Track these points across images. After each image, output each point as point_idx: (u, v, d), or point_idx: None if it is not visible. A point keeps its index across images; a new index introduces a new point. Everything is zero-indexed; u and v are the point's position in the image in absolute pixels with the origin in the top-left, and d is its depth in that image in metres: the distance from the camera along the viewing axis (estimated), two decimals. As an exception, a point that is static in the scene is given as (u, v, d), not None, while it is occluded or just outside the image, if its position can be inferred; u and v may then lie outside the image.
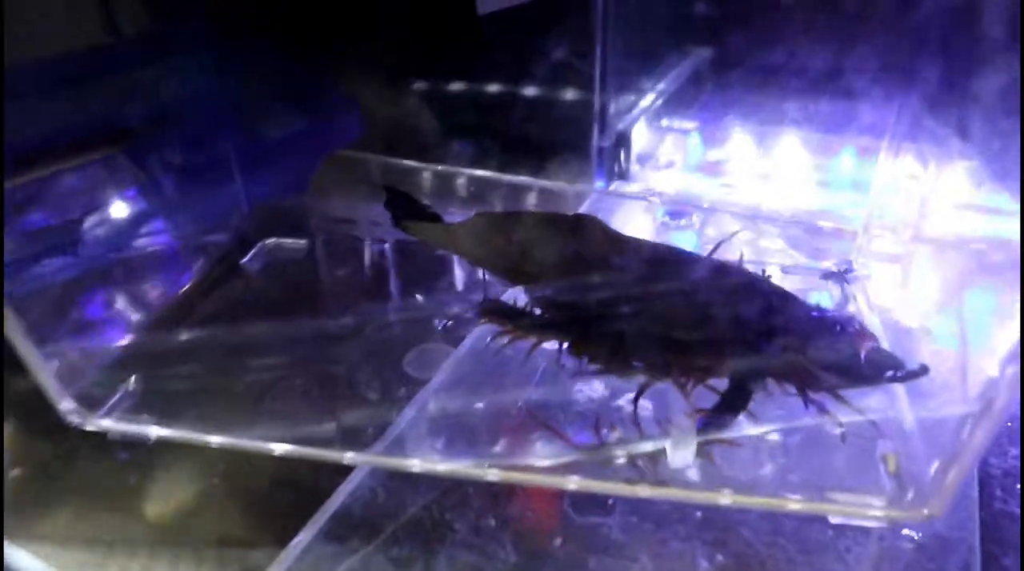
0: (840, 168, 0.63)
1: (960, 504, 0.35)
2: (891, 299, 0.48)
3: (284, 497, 0.40)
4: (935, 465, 0.34)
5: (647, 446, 0.38)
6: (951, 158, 0.56)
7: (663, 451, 0.36)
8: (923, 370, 0.33)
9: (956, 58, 0.50)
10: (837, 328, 0.35)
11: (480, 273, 0.46)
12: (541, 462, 0.37)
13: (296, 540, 0.36)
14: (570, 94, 0.63)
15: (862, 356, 0.33)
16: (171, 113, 0.57)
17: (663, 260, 0.39)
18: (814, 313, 0.36)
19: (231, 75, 0.58)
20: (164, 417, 0.41)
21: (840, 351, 0.34)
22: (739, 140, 0.66)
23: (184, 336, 0.48)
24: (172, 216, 0.56)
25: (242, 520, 0.39)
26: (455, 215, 0.48)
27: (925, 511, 0.32)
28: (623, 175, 0.65)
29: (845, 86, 0.57)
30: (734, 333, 0.36)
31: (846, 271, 0.48)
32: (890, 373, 0.33)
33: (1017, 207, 0.52)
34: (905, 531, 0.35)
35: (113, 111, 0.54)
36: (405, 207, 0.50)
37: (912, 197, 0.54)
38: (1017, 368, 0.30)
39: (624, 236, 0.40)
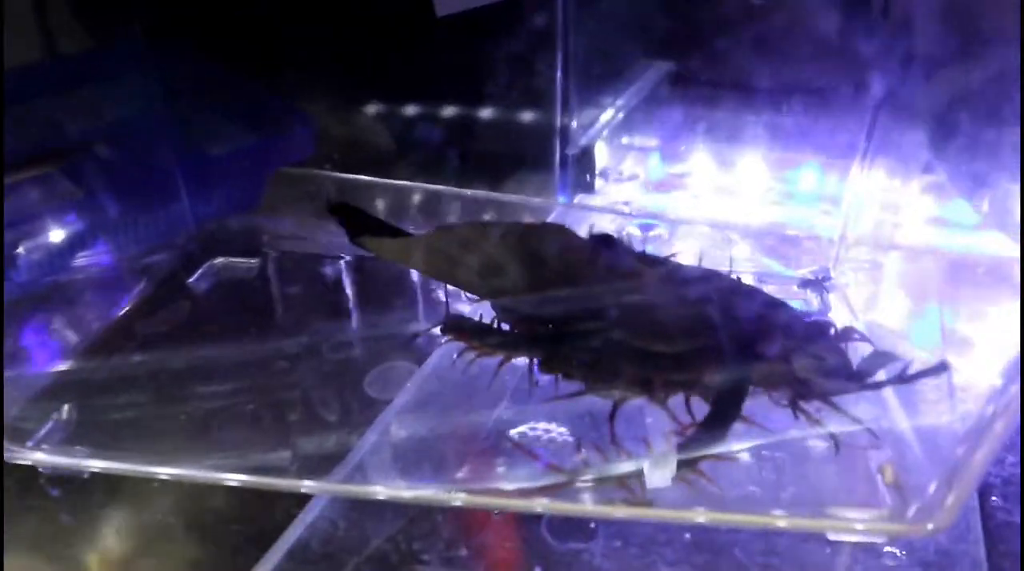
0: (805, 183, 0.62)
1: (960, 516, 0.33)
2: (869, 307, 0.46)
3: (236, 533, 0.36)
4: (935, 475, 0.32)
5: (628, 466, 0.35)
6: (920, 172, 0.56)
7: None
8: (942, 367, 0.30)
9: (924, 73, 0.50)
10: (831, 330, 0.33)
11: (442, 289, 0.44)
12: (518, 486, 0.35)
13: (248, 579, 0.33)
14: (531, 106, 0.62)
15: (865, 358, 0.32)
16: (113, 130, 0.54)
17: (637, 268, 0.37)
18: (803, 317, 0.34)
19: (177, 91, 0.55)
20: (101, 449, 0.37)
21: (839, 355, 0.32)
22: (702, 156, 0.65)
23: (123, 361, 0.44)
24: (113, 236, 0.53)
25: (190, 560, 0.36)
26: (414, 233, 0.45)
27: (930, 525, 0.30)
28: (587, 188, 0.63)
29: (809, 101, 0.56)
30: (718, 342, 0.34)
31: (824, 279, 0.47)
32: (902, 372, 0.31)
33: (978, 221, 0.51)
34: (887, 549, 0.33)
35: (50, 129, 0.51)
36: (360, 222, 0.47)
37: (886, 208, 0.53)
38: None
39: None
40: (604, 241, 0.38)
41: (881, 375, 0.32)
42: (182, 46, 0.54)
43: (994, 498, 0.35)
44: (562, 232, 0.38)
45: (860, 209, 0.52)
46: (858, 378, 0.31)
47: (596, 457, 0.35)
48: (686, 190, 0.64)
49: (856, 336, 0.33)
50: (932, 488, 0.31)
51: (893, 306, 0.47)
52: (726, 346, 0.34)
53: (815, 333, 0.33)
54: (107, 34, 0.55)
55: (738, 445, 0.34)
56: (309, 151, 0.57)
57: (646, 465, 0.34)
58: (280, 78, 0.58)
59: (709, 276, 0.36)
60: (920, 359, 0.38)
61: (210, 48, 0.55)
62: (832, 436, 0.32)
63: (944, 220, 0.55)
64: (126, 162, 0.54)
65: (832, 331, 0.33)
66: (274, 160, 0.57)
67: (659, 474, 0.34)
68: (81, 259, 0.51)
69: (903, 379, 0.32)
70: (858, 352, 0.34)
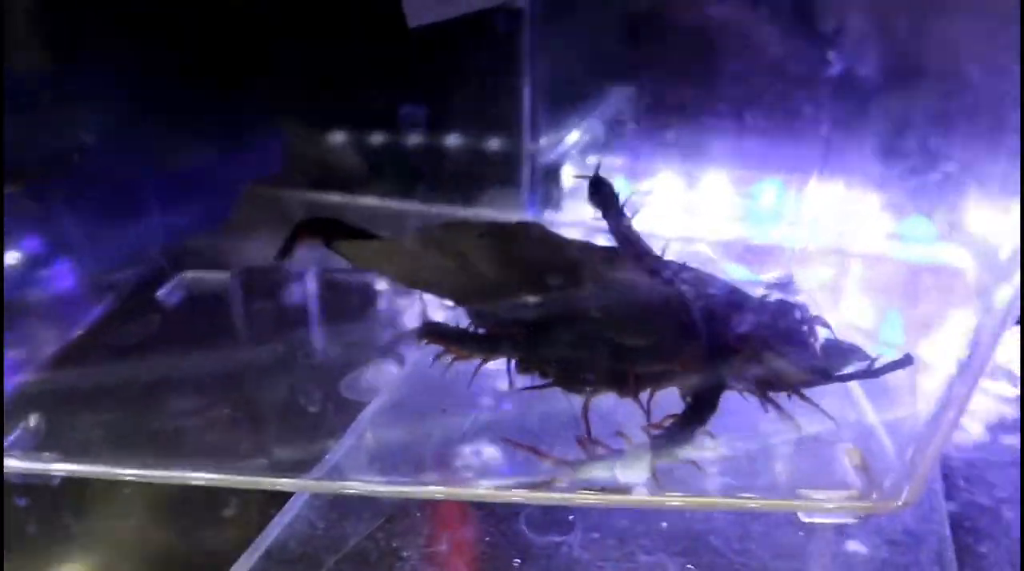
0: (766, 201, 0.64)
1: (924, 499, 0.35)
2: (833, 312, 0.48)
3: (211, 538, 0.36)
4: (899, 458, 0.33)
5: (601, 469, 0.36)
6: (875, 188, 0.58)
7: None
8: (908, 360, 0.32)
9: (880, 93, 0.52)
10: (798, 313, 0.34)
11: (417, 298, 0.44)
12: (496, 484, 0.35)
13: (226, 579, 0.32)
14: (500, 125, 0.63)
15: (829, 347, 0.33)
16: (78, 147, 0.54)
17: (611, 262, 0.38)
18: (772, 306, 0.35)
19: (144, 105, 0.55)
20: (71, 456, 0.37)
21: (808, 349, 0.33)
22: (666, 176, 0.67)
23: (91, 372, 0.44)
24: (79, 255, 0.52)
25: (164, 566, 0.35)
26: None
27: (899, 501, 0.31)
28: (555, 206, 0.64)
29: (769, 121, 0.58)
30: (690, 334, 0.35)
31: (788, 284, 0.48)
32: (870, 365, 0.32)
33: (935, 234, 0.53)
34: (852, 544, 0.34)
35: (14, 148, 0.51)
36: (334, 230, 0.47)
37: (845, 221, 0.55)
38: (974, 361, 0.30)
39: (570, 240, 0.39)
40: (597, 185, 0.39)
41: (850, 368, 0.33)
42: (149, 60, 0.54)
43: (956, 479, 0.36)
44: (541, 230, 0.39)
45: (820, 222, 0.54)
46: (827, 371, 0.32)
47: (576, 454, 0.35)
48: (652, 207, 0.65)
49: (821, 321, 0.34)
50: (897, 468, 0.32)
51: (856, 311, 0.49)
52: (698, 338, 0.35)
53: (784, 323, 0.34)
54: (72, 48, 0.55)
55: (709, 451, 0.35)
56: (278, 165, 0.57)
57: (618, 466, 0.35)
58: (249, 96, 0.58)
59: (679, 268, 0.37)
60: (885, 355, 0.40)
61: (176, 63, 0.55)
62: (797, 424, 0.33)
63: (902, 234, 0.56)
64: (92, 179, 0.54)
65: (798, 314, 0.34)
66: (243, 174, 0.57)
67: (633, 471, 0.35)
68: (46, 276, 0.50)
69: (872, 372, 0.33)
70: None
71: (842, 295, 0.50)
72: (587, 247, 0.39)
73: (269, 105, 0.59)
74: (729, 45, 0.61)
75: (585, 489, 0.33)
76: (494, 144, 0.63)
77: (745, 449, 0.36)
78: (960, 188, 0.47)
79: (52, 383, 0.43)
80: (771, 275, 0.50)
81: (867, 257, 0.53)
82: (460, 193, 0.62)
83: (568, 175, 0.66)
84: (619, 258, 0.38)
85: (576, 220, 0.62)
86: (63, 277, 0.51)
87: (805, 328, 0.34)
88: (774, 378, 0.34)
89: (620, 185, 0.66)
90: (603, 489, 0.34)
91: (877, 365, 0.33)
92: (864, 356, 0.32)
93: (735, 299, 0.35)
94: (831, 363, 0.33)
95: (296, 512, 0.36)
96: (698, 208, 0.64)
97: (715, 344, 0.34)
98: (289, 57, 0.56)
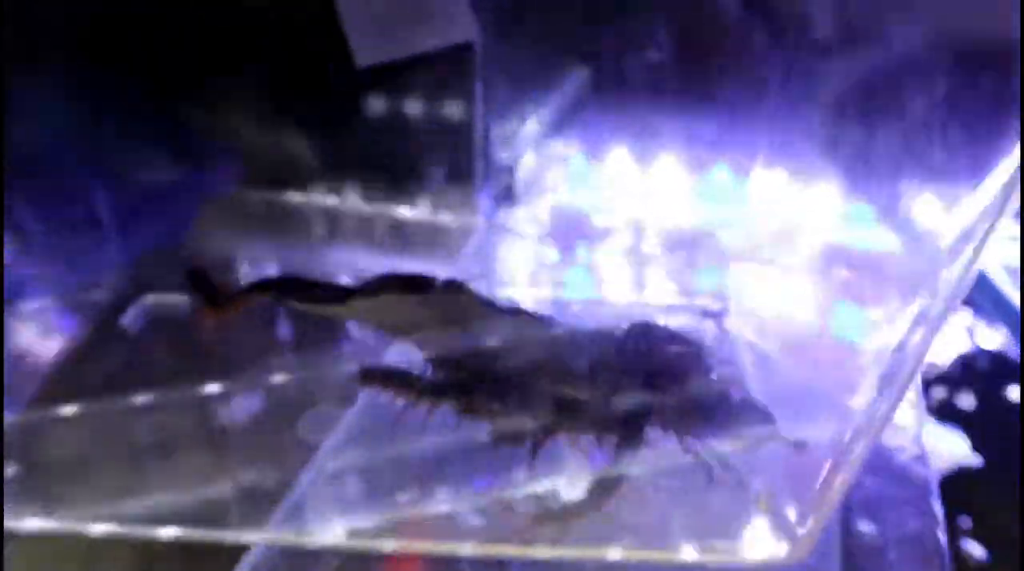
0: (717, 184, 0.66)
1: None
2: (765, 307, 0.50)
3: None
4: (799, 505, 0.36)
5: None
6: (819, 177, 0.59)
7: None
8: (800, 445, 0.35)
9: (827, 81, 0.53)
10: (711, 373, 0.37)
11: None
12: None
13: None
14: (453, 123, 0.63)
15: (736, 411, 0.36)
16: (28, 163, 0.54)
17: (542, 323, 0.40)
18: (690, 361, 0.38)
19: (99, 121, 0.55)
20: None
21: (713, 408, 0.36)
22: (621, 161, 0.68)
23: (55, 415, 0.46)
24: (40, 276, 0.53)
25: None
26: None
27: (788, 554, 0.35)
28: (512, 199, 0.65)
29: (720, 106, 0.59)
30: (621, 389, 0.38)
31: (721, 313, 0.50)
32: (764, 434, 0.35)
33: (877, 223, 0.55)
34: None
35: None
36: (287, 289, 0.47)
37: (790, 209, 0.57)
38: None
39: (495, 306, 0.40)
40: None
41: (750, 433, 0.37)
42: (105, 77, 0.54)
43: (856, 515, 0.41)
44: (464, 297, 0.40)
45: (768, 207, 0.56)
46: (730, 430, 0.36)
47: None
48: (607, 192, 0.66)
49: (737, 376, 0.38)
50: (793, 518, 0.36)
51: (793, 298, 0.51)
52: (628, 395, 0.38)
53: (698, 381, 0.37)
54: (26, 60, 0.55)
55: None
56: (232, 186, 0.58)
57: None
58: (203, 104, 0.58)
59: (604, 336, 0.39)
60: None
61: (132, 78, 0.55)
62: (709, 471, 0.37)
63: (845, 221, 0.59)
64: (48, 195, 0.54)
65: (715, 375, 0.37)
66: (206, 188, 0.58)
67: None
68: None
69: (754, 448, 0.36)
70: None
71: (778, 288, 0.52)
72: (516, 310, 0.41)
73: (225, 107, 0.59)
74: (687, 28, 0.61)
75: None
76: (447, 138, 0.64)
77: (669, 488, 0.40)
78: (903, 176, 0.49)
79: (28, 429, 0.46)
80: (706, 300, 0.52)
81: (812, 246, 0.56)
82: (415, 185, 0.63)
83: (523, 163, 0.68)
84: (548, 321, 0.40)
85: (529, 213, 0.64)
86: (30, 300, 0.53)
87: (717, 391, 0.36)
88: (683, 429, 0.37)
89: (578, 163, 0.68)
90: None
91: (772, 439, 0.36)
92: (768, 421, 0.35)
93: (656, 355, 0.38)
94: (734, 425, 0.36)
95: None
96: (650, 190, 0.66)
97: (634, 399, 0.38)
98: (244, 60, 0.56)
